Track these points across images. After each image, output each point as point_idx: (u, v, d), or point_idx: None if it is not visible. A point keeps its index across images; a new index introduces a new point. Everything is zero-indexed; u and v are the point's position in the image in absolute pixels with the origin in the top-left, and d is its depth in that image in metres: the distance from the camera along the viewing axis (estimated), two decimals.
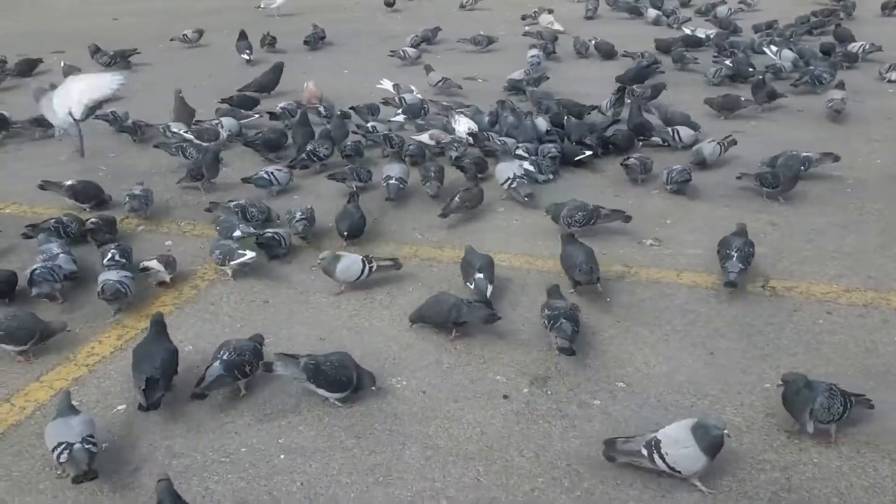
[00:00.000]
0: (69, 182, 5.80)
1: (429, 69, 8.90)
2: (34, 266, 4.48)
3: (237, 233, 4.93)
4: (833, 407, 3.27)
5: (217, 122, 7.11)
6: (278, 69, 8.66)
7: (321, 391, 3.56)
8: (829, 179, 6.00)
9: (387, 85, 8.34)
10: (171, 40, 11.71)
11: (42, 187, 5.85)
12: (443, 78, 8.70)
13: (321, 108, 7.65)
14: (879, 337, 4.01)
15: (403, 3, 14.68)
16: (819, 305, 4.33)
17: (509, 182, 5.65)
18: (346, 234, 5.10)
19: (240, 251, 4.67)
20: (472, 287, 4.36)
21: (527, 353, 3.96)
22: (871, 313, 4.24)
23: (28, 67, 9.92)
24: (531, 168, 5.97)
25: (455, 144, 6.48)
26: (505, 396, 3.64)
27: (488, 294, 4.28)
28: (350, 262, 4.53)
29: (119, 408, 3.64)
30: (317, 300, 4.50)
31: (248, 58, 10.15)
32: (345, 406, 3.58)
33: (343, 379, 3.54)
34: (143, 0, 16.10)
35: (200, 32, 11.71)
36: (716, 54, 9.79)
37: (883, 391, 3.58)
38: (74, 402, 3.37)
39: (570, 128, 6.76)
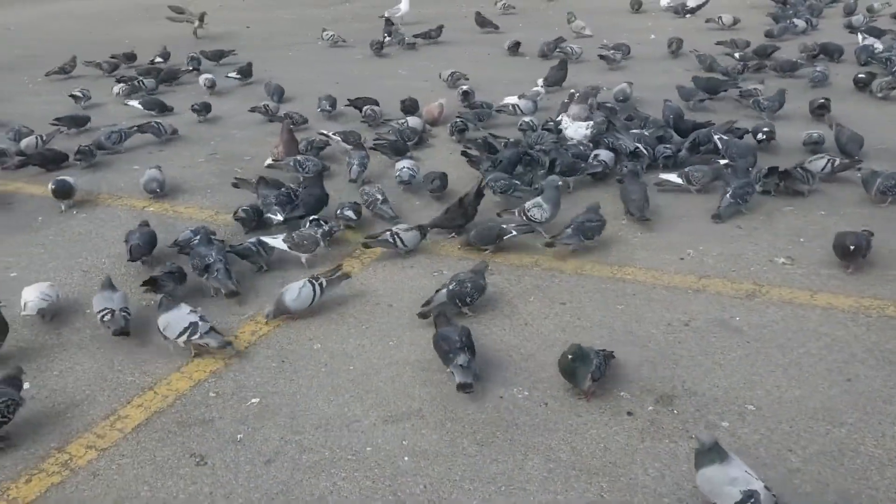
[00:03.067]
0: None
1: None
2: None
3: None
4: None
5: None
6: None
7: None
8: None
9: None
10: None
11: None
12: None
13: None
14: None
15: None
16: None
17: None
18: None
19: None
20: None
21: (652, 370, 3.89)
22: None
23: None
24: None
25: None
26: (629, 413, 3.59)
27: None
28: (296, 290, 4.42)
29: (253, 401, 3.81)
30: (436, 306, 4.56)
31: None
32: (468, 413, 3.63)
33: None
34: (272, 9, 16.78)
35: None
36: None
37: None
38: (212, 394, 3.56)
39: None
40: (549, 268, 5.02)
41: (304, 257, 5.08)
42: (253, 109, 8.43)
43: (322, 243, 5.10)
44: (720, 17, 12.30)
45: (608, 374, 3.76)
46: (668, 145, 6.48)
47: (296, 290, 4.44)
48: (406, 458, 3.38)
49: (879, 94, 8.19)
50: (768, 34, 11.43)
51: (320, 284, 4.48)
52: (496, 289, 4.75)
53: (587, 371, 3.60)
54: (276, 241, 5.06)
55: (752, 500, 2.82)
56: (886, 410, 3.52)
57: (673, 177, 6.00)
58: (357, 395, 3.81)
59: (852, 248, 4.60)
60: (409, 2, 13.55)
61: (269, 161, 6.88)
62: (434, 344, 3.99)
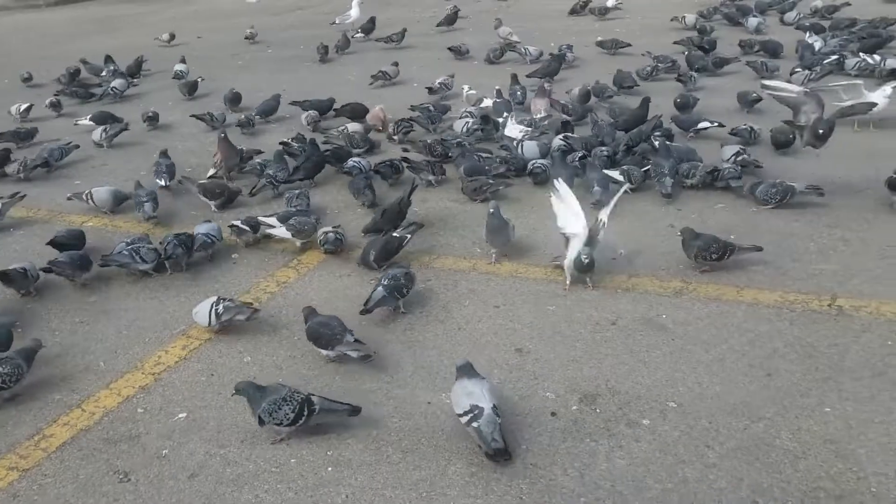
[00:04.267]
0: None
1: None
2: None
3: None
4: None
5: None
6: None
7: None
8: None
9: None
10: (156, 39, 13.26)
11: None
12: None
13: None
14: None
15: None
16: (889, 325, 4.15)
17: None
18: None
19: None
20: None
21: (578, 370, 3.94)
22: None
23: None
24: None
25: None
26: (553, 414, 3.63)
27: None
28: (199, 308, 4.43)
29: (180, 416, 3.79)
30: (373, 315, 4.55)
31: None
32: (394, 421, 3.64)
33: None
34: (226, 18, 16.66)
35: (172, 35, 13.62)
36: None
37: None
38: (140, 410, 3.54)
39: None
40: (486, 272, 5.05)
41: (298, 242, 5.41)
42: (197, 117, 8.42)
43: (317, 229, 5.44)
44: (683, 17, 12.33)
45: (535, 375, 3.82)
46: (604, 148, 6.52)
47: (196, 309, 4.46)
48: (329, 469, 3.38)
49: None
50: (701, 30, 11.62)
51: (216, 312, 4.37)
52: (432, 294, 4.78)
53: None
54: (279, 230, 5.39)
55: (475, 413, 3.34)
56: (803, 404, 3.60)
57: (615, 174, 6.04)
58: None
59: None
60: (359, 8, 13.52)
61: (211, 172, 6.85)
62: (311, 333, 4.09)
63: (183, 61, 10.92)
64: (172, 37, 13.78)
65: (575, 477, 3.25)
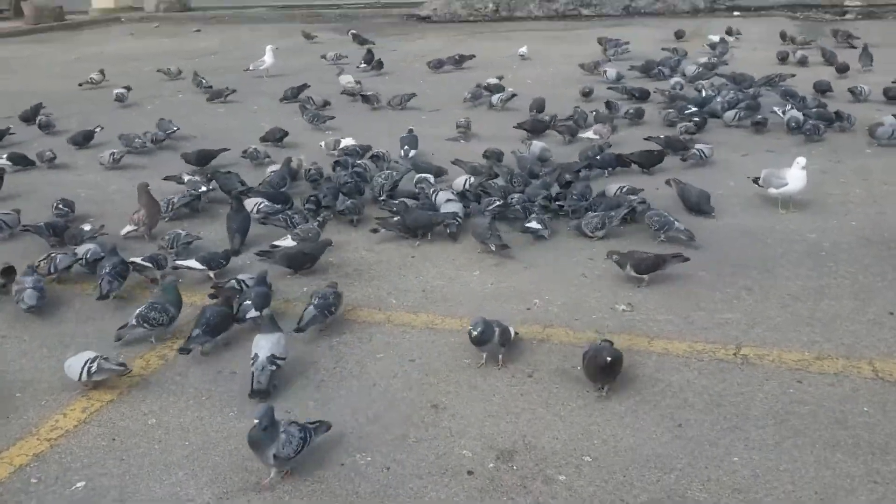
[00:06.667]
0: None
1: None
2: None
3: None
4: None
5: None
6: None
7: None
8: (804, 242, 6.02)
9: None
10: (80, 84, 13.09)
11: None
12: None
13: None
14: (849, 407, 3.98)
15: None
16: (790, 374, 4.30)
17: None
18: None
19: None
20: None
21: (495, 426, 3.92)
22: (842, 382, 4.21)
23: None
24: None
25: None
26: (469, 472, 3.59)
27: None
28: (73, 362, 4.27)
29: (78, 485, 3.58)
30: (284, 371, 4.44)
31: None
32: (307, 484, 3.53)
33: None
34: (133, 60, 16.32)
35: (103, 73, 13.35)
36: None
37: (851, 464, 3.54)
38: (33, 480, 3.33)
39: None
40: (401, 323, 5.01)
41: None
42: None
43: (321, 232, 6.02)
44: (605, 71, 12.22)
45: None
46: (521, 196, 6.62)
47: (69, 362, 4.31)
48: None
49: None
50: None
51: (89, 370, 4.20)
52: (346, 347, 4.71)
53: None
54: (285, 241, 5.87)
55: (252, 359, 4.16)
56: (712, 454, 3.67)
57: (533, 224, 6.12)
58: (192, 471, 3.65)
59: (609, 359, 4.04)
60: (273, 54, 13.46)
61: (127, 229, 6.32)
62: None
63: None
64: (103, 74, 13.32)
65: None
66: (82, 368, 4.20)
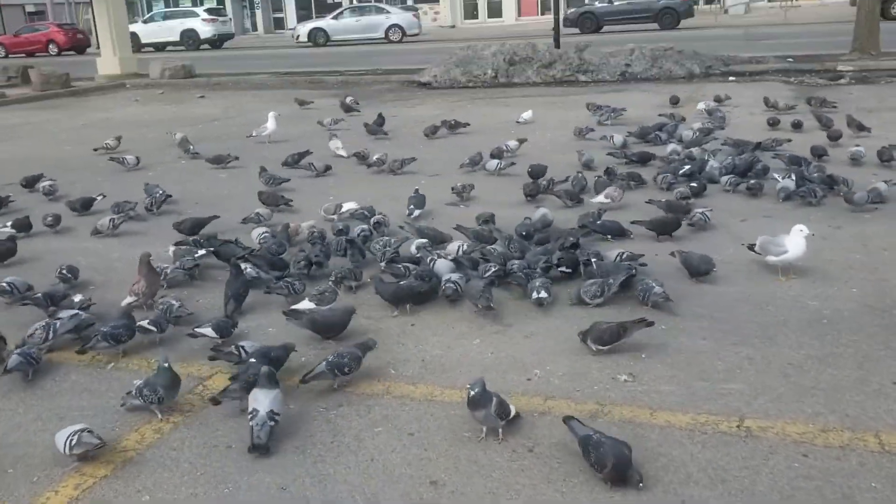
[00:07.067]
0: None
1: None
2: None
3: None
4: None
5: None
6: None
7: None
8: (806, 310, 5.98)
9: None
10: (95, 150, 13.15)
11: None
12: None
13: None
14: (857, 482, 3.90)
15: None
16: (795, 447, 4.22)
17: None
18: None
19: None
20: None
21: (495, 502, 3.84)
22: (848, 455, 4.13)
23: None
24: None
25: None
26: None
27: None
28: (60, 435, 4.25)
29: None
30: (281, 445, 4.38)
31: None
32: None
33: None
34: (139, 127, 16.56)
35: (119, 139, 13.40)
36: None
37: None
38: None
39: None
40: (400, 395, 4.95)
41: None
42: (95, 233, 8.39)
43: (339, 291, 6.23)
44: (612, 137, 12.34)
45: None
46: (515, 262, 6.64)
47: (58, 433, 4.28)
48: None
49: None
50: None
51: (70, 444, 4.16)
52: (343, 420, 4.64)
53: None
54: (305, 303, 5.94)
55: (252, 414, 4.28)
56: None
57: (542, 293, 6.08)
58: None
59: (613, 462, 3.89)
60: (275, 121, 13.65)
61: (128, 300, 6.19)
62: None
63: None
64: (119, 141, 13.40)
65: None
66: (65, 441, 4.17)
